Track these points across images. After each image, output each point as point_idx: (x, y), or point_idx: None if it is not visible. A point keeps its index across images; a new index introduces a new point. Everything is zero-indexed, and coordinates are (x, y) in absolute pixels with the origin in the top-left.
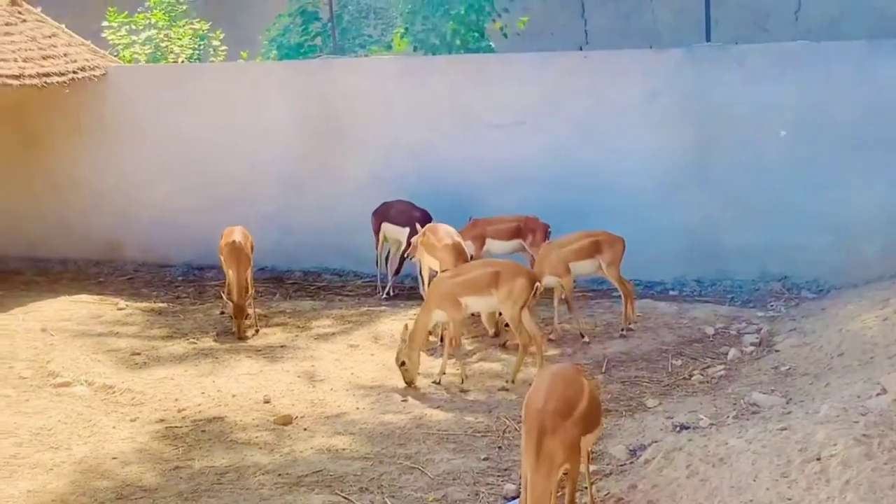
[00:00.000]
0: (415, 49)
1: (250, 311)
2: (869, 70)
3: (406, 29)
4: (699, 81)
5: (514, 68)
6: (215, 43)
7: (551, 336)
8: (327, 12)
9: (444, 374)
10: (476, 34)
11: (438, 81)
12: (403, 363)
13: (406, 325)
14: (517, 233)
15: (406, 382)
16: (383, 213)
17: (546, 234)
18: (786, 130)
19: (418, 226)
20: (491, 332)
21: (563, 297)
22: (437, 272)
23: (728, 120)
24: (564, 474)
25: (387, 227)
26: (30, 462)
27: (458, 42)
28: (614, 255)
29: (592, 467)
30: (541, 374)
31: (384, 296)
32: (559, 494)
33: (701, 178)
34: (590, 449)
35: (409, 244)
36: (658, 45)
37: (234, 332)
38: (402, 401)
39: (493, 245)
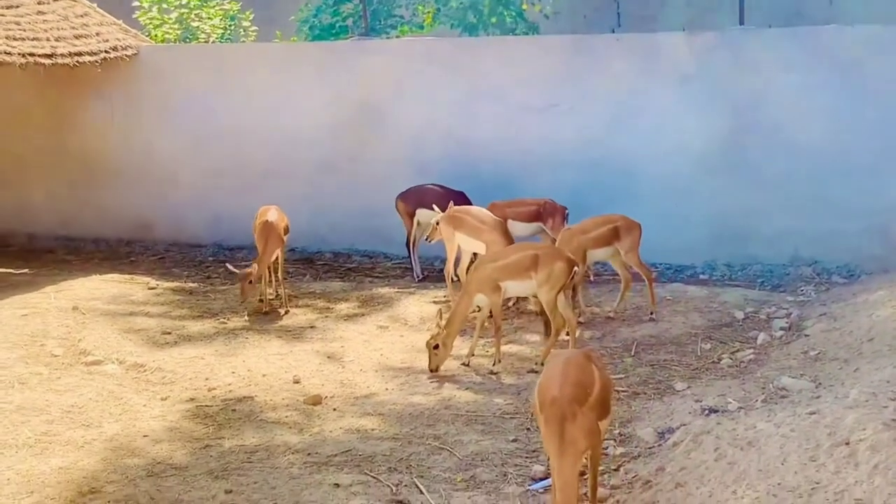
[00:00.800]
0: (451, 27)
1: (281, 290)
2: None
3: (438, 10)
4: (732, 65)
5: (547, 50)
6: (245, 24)
7: (581, 319)
8: None
9: (474, 355)
10: (513, 13)
11: (471, 63)
12: (437, 346)
13: (440, 310)
14: (537, 216)
15: (432, 367)
16: (417, 198)
17: (564, 217)
18: (819, 114)
19: None
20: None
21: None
22: (462, 253)
23: (761, 104)
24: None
25: (424, 213)
26: (61, 439)
27: (493, 21)
28: (632, 240)
29: (620, 450)
30: (552, 361)
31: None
32: (583, 477)
33: (733, 163)
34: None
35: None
36: (691, 29)
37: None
38: (431, 382)
39: (514, 227)
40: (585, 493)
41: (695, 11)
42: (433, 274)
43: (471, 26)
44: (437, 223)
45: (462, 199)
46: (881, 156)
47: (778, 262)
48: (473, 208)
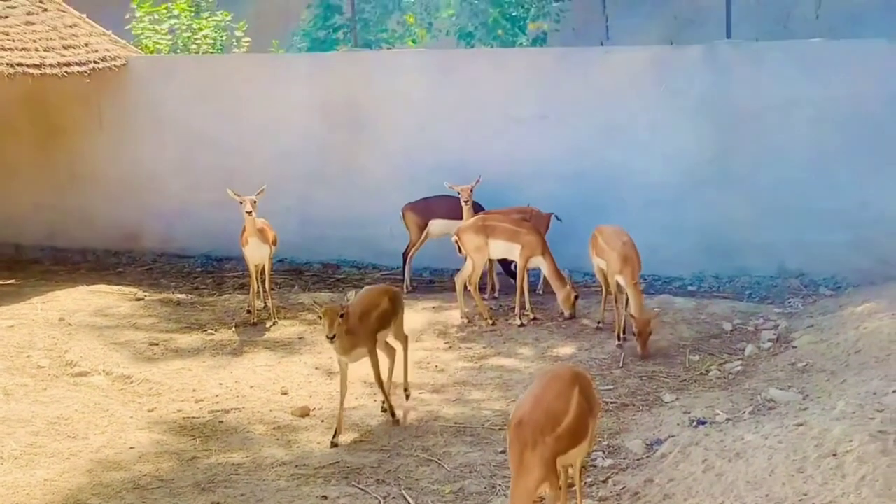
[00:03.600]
0: (447, 34)
1: (269, 302)
2: (889, 69)
3: (430, 24)
4: (720, 79)
5: (537, 63)
6: (238, 34)
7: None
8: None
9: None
10: (517, 30)
11: (460, 74)
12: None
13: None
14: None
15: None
16: (430, 209)
17: (548, 224)
18: (806, 127)
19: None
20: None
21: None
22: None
23: (748, 117)
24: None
25: (438, 224)
26: (47, 451)
27: (499, 32)
28: None
29: (609, 461)
30: (539, 377)
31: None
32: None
33: (721, 175)
34: (582, 460)
35: None
36: (679, 42)
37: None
38: (420, 393)
39: None
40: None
41: (682, 25)
42: (421, 285)
43: (467, 35)
44: (458, 235)
45: (479, 208)
46: (867, 168)
47: (765, 274)
48: (496, 215)
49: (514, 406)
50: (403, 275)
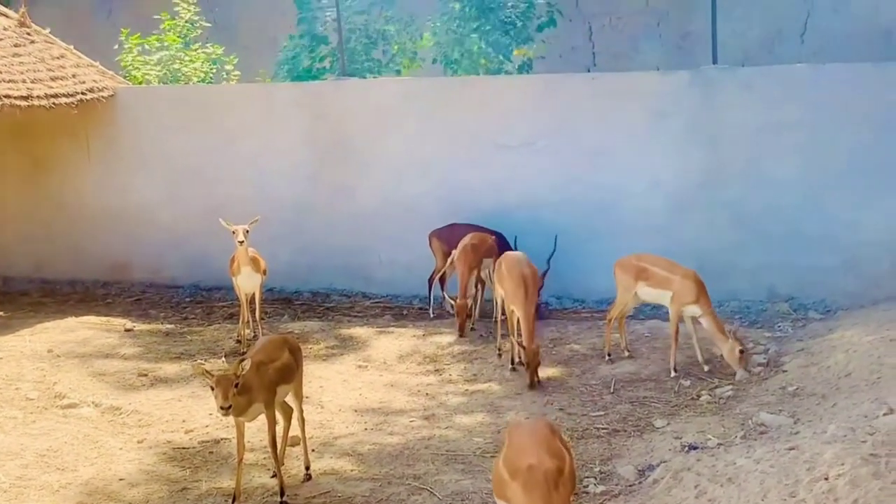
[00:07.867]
0: (434, 62)
1: (259, 331)
2: (875, 92)
3: (415, 53)
4: (706, 103)
5: (524, 90)
6: (228, 67)
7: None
8: (335, 37)
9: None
10: (502, 57)
11: (447, 102)
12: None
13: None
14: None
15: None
16: (455, 235)
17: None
18: (794, 151)
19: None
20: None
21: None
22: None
23: (735, 141)
24: None
25: None
26: (36, 483)
27: (483, 62)
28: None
29: (601, 488)
30: (514, 431)
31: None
32: None
33: (709, 200)
34: None
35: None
36: (665, 68)
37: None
38: (410, 421)
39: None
40: None
41: (668, 50)
42: (410, 313)
43: (452, 63)
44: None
45: (500, 239)
46: (855, 192)
47: (755, 298)
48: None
49: (503, 460)
50: (429, 301)
